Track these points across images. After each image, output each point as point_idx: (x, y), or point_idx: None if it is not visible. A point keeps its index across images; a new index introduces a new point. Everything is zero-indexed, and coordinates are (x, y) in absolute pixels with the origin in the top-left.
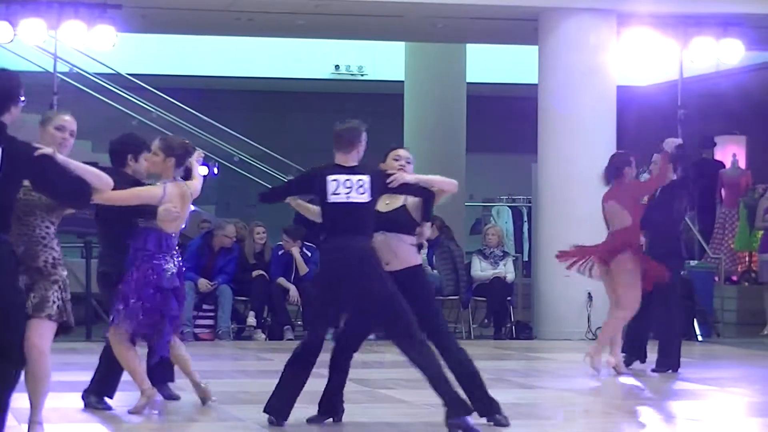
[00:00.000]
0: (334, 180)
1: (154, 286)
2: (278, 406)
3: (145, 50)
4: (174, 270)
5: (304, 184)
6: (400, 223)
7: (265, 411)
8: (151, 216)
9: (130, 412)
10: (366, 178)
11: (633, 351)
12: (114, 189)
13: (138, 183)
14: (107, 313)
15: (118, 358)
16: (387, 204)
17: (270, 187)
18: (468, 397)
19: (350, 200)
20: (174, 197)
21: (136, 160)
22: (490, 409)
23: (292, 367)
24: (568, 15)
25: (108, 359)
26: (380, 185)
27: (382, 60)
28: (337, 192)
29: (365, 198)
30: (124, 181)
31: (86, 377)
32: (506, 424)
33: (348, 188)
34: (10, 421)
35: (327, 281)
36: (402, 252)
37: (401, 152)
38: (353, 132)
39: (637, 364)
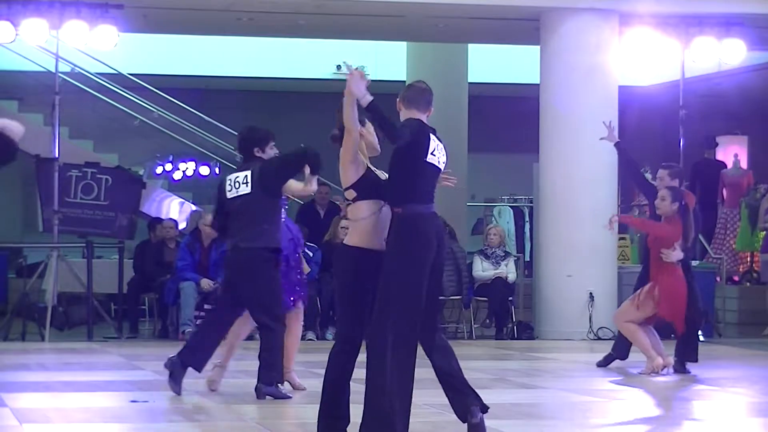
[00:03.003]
0: (435, 140)
1: None
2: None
3: (146, 50)
4: None
5: (416, 134)
6: None
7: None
8: None
9: None
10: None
11: (617, 349)
12: None
13: None
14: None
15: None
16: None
17: None
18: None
19: (438, 164)
20: None
21: (263, 152)
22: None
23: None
24: (570, 15)
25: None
26: None
27: (383, 60)
28: (434, 153)
29: (442, 165)
30: None
31: (87, 377)
32: None
33: (440, 152)
34: (11, 420)
35: (423, 249)
36: None
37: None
38: (431, 93)
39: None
